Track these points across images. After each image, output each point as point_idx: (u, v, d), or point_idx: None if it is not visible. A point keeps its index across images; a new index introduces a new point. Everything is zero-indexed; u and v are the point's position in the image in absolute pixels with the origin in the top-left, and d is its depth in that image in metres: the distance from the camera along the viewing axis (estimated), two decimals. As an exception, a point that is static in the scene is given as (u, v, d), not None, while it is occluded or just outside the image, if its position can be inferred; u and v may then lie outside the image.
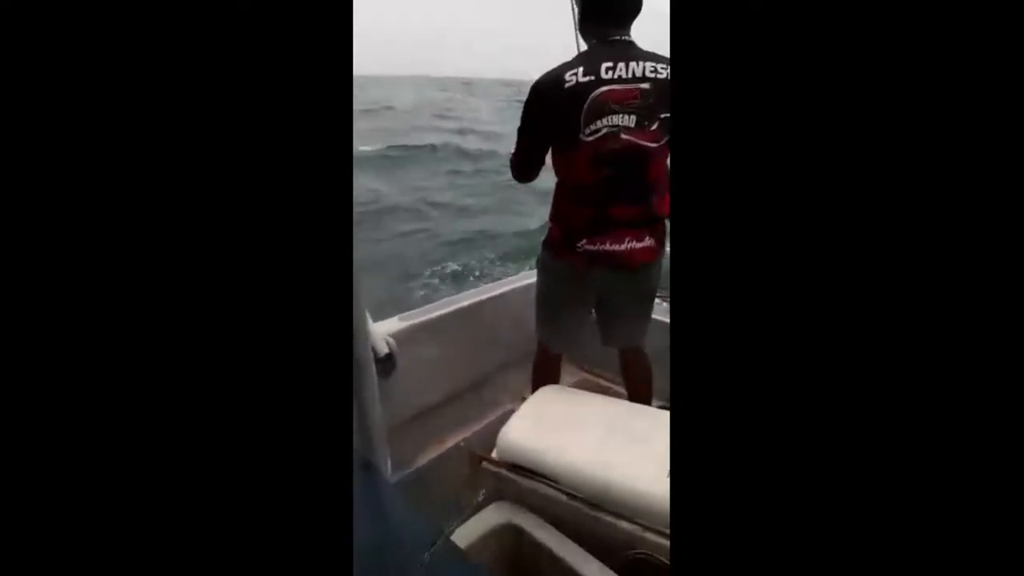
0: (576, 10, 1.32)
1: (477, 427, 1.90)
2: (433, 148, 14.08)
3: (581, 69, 1.19)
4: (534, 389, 1.50)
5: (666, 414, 1.21)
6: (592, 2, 1.26)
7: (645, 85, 1.19)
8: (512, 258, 6.53)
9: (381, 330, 1.61)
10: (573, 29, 1.37)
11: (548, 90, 1.21)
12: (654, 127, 1.21)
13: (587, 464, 1.06)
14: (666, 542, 0.94)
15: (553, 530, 1.02)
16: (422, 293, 5.49)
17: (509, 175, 1.40)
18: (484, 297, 1.87)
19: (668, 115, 1.19)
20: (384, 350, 1.55)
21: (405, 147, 13.70)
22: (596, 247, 1.28)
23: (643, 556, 0.95)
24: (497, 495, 1.14)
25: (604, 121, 1.20)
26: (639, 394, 1.52)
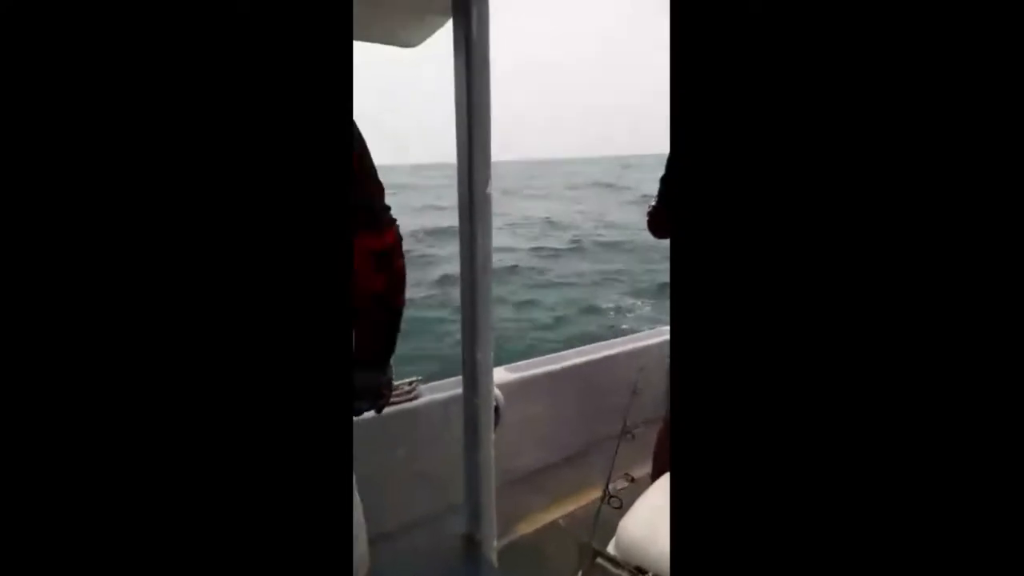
0: None
1: (576, 506, 1.69)
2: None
3: None
4: (655, 470, 1.28)
5: None
6: None
7: None
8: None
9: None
10: None
11: None
12: None
13: None
14: None
15: None
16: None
17: None
18: (602, 355, 1.69)
19: None
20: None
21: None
22: None
23: None
24: None
25: None
26: None
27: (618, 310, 7.18)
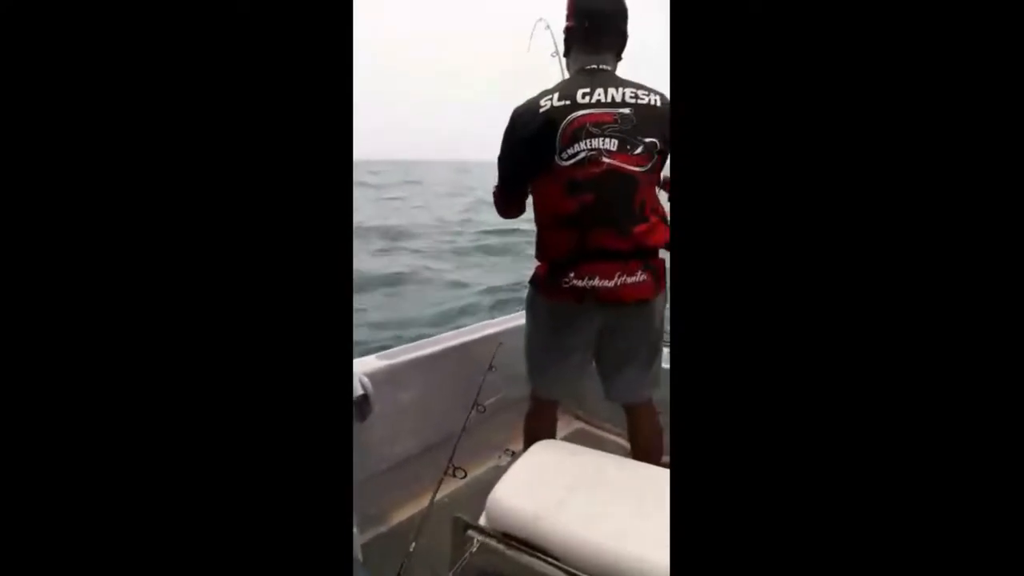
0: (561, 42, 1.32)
1: (460, 483, 1.71)
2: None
3: (556, 95, 1.18)
4: (526, 443, 1.33)
5: None
6: (571, 32, 1.27)
7: (625, 110, 1.16)
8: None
9: (357, 369, 1.44)
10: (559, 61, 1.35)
11: (524, 116, 1.20)
12: (638, 151, 1.16)
13: (592, 537, 0.89)
14: None
15: None
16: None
17: None
18: (474, 336, 1.71)
19: (653, 139, 1.16)
20: (359, 391, 1.38)
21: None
22: (584, 282, 1.18)
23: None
24: (484, 569, 0.96)
25: (582, 144, 1.15)
26: (647, 456, 1.35)
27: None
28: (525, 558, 0.93)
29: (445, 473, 1.40)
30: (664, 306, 1.31)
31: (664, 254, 1.26)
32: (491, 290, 6.65)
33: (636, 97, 1.16)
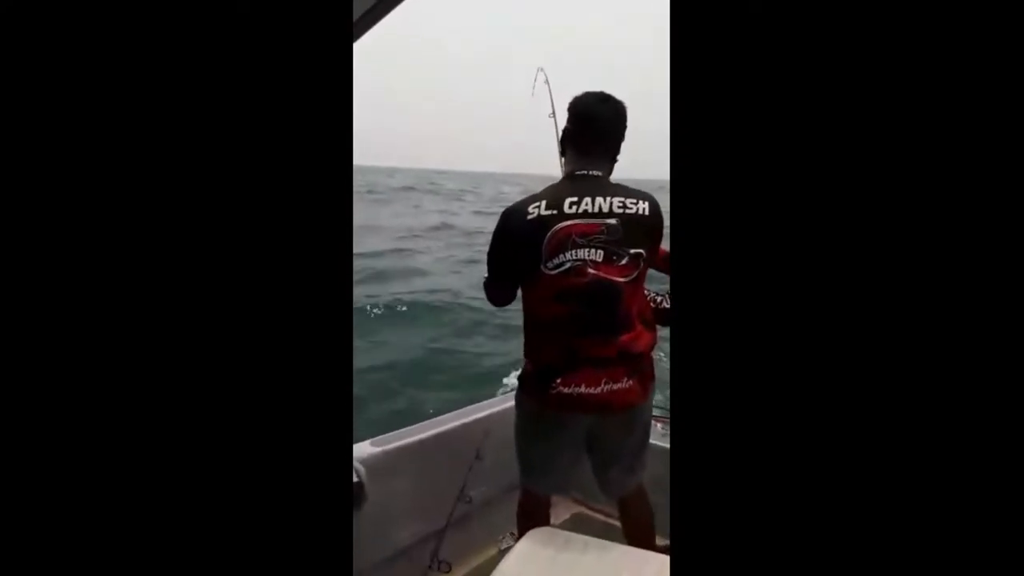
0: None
1: (460, 572, 1.66)
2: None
3: (544, 203, 1.20)
4: (520, 531, 1.31)
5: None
6: (567, 134, 1.29)
7: (612, 220, 1.18)
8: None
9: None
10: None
11: (512, 221, 1.23)
12: (624, 262, 1.18)
13: None
14: None
15: None
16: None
17: None
18: (468, 420, 1.71)
19: (639, 250, 1.18)
20: (352, 479, 1.37)
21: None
22: (571, 390, 1.19)
23: None
24: None
25: (568, 255, 1.18)
26: (640, 540, 1.33)
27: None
28: None
29: (430, 567, 1.37)
30: (651, 405, 1.32)
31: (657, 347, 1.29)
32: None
33: (624, 207, 1.18)
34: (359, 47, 0.68)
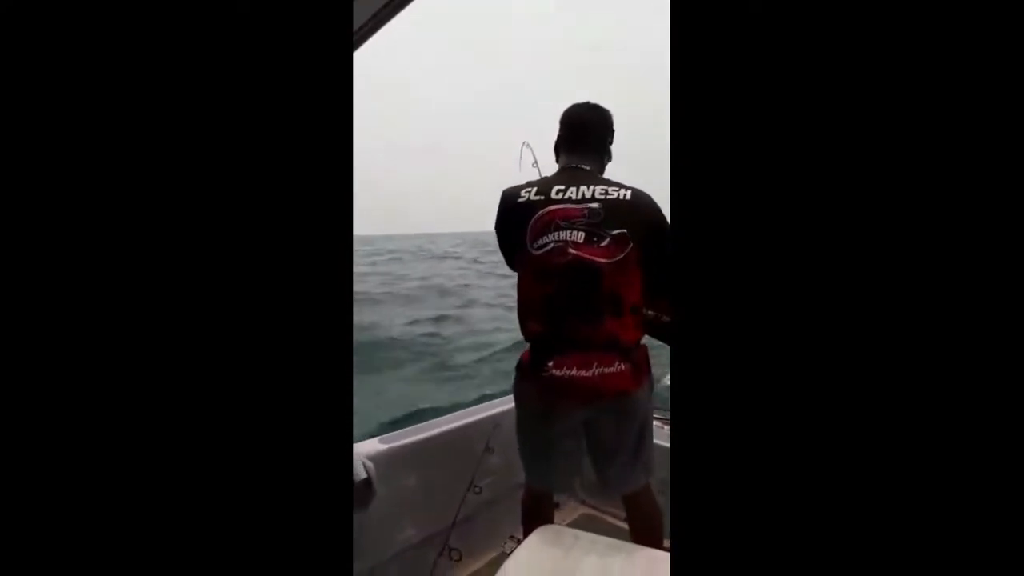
0: None
1: (467, 571, 1.66)
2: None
3: (535, 189, 1.31)
4: (525, 530, 1.31)
5: None
6: (559, 139, 1.41)
7: (594, 204, 1.25)
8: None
9: (359, 451, 1.45)
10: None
11: (507, 202, 1.34)
12: (605, 243, 1.23)
13: None
14: None
15: None
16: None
17: None
18: (475, 418, 1.72)
19: (621, 230, 1.23)
20: (361, 474, 1.38)
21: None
22: (562, 372, 1.22)
23: None
24: None
25: (551, 236, 1.25)
26: (647, 542, 1.32)
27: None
28: None
29: (440, 555, 1.37)
30: (649, 397, 1.33)
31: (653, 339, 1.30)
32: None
33: (606, 193, 1.26)
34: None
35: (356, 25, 0.73)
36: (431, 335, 9.04)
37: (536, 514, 1.39)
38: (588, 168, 1.34)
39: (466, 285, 15.96)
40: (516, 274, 1.37)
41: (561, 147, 1.40)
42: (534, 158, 1.52)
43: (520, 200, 1.30)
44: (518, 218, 1.28)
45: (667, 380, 1.29)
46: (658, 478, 1.38)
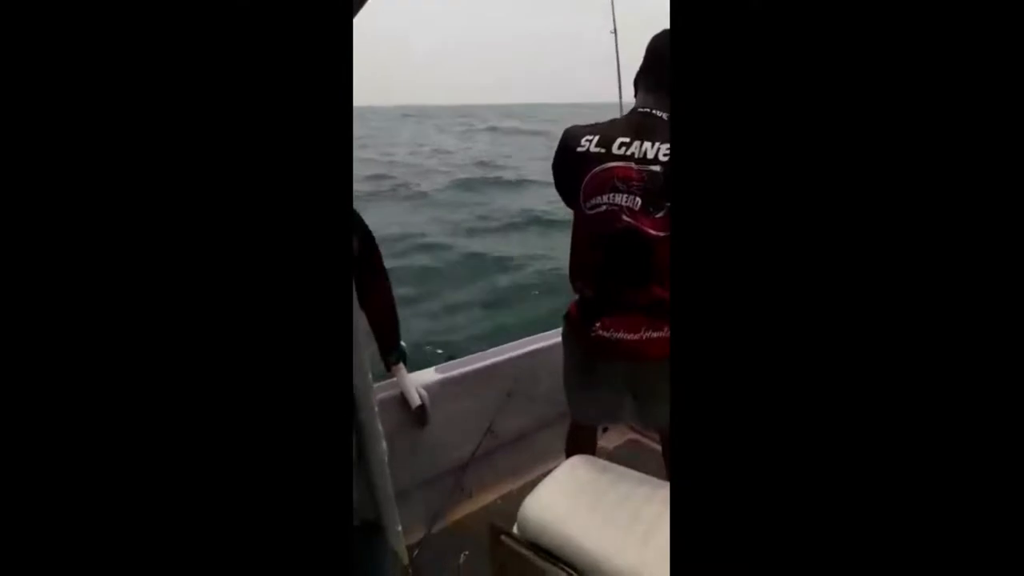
0: None
1: (513, 486, 1.83)
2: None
3: (596, 138, 1.18)
4: (568, 454, 1.42)
5: None
6: (638, 74, 1.24)
7: (655, 168, 1.12)
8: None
9: (417, 381, 1.60)
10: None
11: (565, 147, 1.22)
12: (660, 215, 1.12)
13: (616, 556, 0.97)
14: None
15: None
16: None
17: None
18: (524, 350, 1.82)
19: None
20: (416, 402, 1.53)
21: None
22: (609, 334, 1.21)
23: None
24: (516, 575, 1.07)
25: (605, 197, 1.15)
26: None
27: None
28: (551, 568, 1.03)
29: (453, 491, 1.51)
30: None
31: None
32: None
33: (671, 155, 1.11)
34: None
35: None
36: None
37: (579, 441, 1.48)
38: (663, 116, 1.16)
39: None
40: None
41: (640, 81, 1.23)
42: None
43: (580, 149, 1.18)
44: (574, 169, 1.19)
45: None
46: None
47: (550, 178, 1.30)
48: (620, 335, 1.21)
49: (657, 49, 1.20)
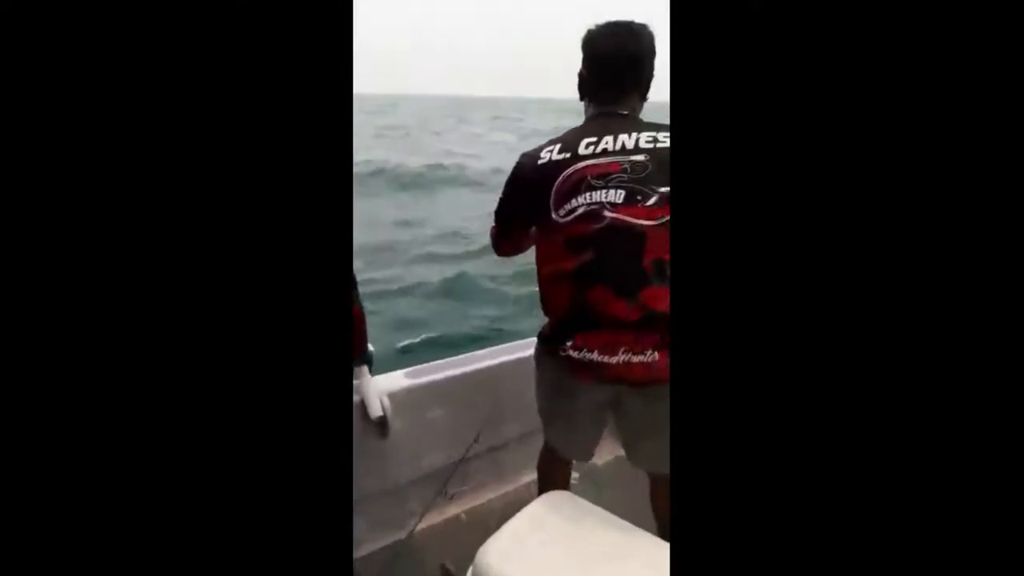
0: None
1: (482, 500, 1.70)
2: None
3: (558, 147, 1.07)
4: (540, 486, 1.27)
5: None
6: (584, 80, 1.13)
7: (639, 156, 1.01)
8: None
9: (381, 386, 1.45)
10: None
11: (524, 168, 1.11)
12: (651, 202, 1.00)
13: None
14: None
15: None
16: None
17: None
18: (501, 360, 1.66)
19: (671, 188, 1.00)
20: (377, 412, 1.38)
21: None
22: (581, 355, 1.05)
23: None
24: None
25: (581, 199, 1.03)
26: (664, 522, 1.23)
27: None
28: None
29: (436, 495, 1.39)
30: None
31: None
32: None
33: (655, 141, 1.01)
34: None
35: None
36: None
37: (552, 471, 1.32)
38: (626, 112, 1.08)
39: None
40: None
41: (586, 88, 1.13)
42: None
43: (541, 162, 1.06)
44: (538, 183, 1.06)
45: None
46: None
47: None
48: (593, 356, 1.04)
49: (600, 48, 1.09)
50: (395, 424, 1.44)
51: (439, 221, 8.11)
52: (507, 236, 1.22)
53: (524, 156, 1.11)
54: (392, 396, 1.43)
